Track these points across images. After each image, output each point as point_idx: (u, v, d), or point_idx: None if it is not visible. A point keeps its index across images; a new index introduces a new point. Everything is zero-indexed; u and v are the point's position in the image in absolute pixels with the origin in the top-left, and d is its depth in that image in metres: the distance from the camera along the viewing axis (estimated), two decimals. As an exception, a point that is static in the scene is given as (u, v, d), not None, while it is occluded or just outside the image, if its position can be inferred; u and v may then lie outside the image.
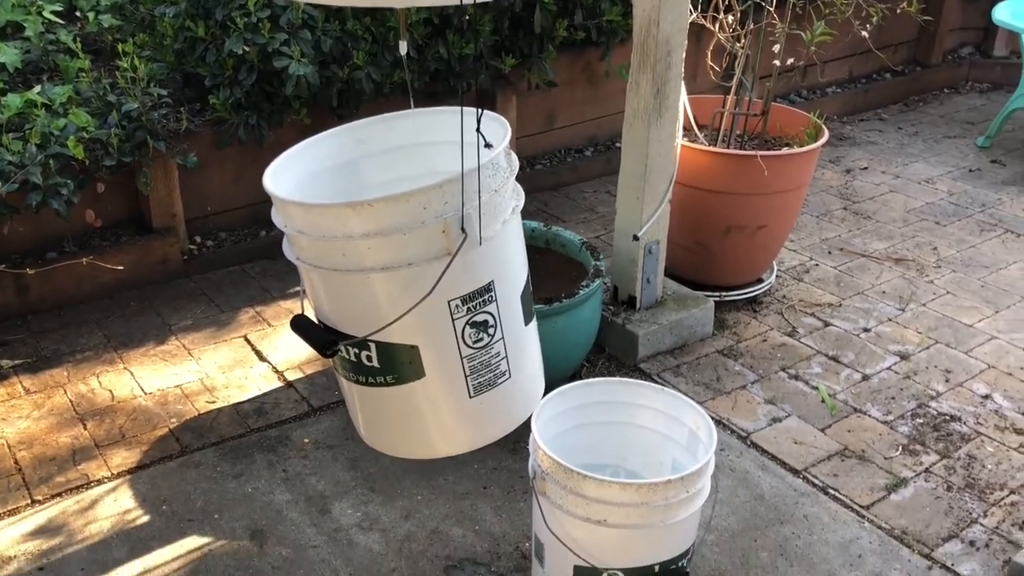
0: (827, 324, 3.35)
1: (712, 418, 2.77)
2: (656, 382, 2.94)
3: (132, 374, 2.93)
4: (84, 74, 3.37)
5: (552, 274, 3.07)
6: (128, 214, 3.45)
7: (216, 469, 2.51)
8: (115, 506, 2.36)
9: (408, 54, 1.83)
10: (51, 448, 2.57)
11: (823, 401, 2.89)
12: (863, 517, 2.40)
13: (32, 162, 2.94)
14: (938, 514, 2.42)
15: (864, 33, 3.65)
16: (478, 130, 1.47)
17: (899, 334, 3.29)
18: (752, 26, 3.22)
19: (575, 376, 2.96)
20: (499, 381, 1.64)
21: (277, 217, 1.56)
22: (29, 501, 2.37)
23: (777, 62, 3.20)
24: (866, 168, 4.75)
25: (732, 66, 3.25)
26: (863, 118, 5.41)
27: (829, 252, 3.92)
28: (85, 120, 3.14)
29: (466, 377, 1.60)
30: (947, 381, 3.01)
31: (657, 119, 2.87)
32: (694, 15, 3.13)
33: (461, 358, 1.57)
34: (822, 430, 2.76)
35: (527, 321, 1.68)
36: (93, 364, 2.97)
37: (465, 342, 1.56)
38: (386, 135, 1.78)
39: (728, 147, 3.28)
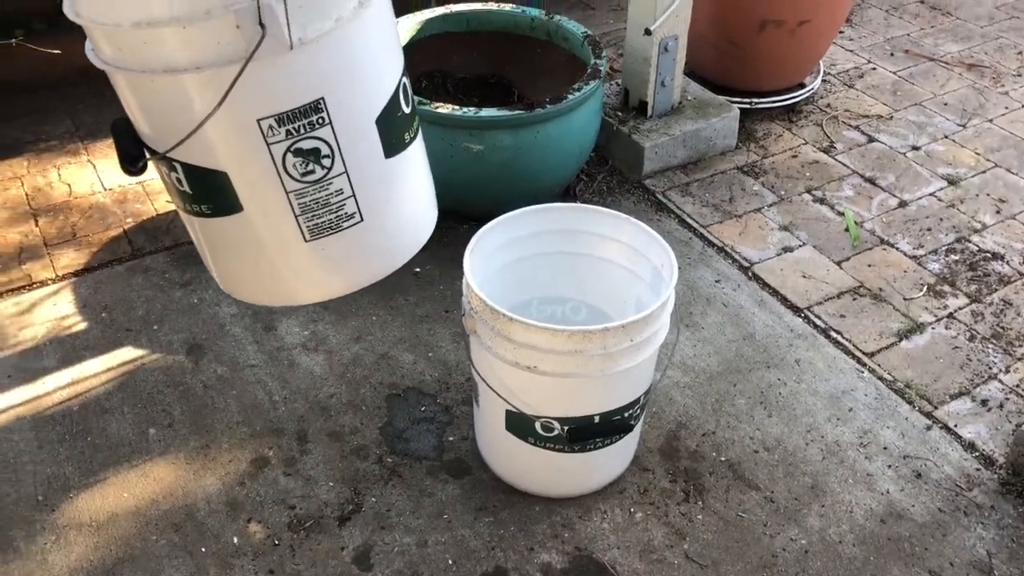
0: (872, 139, 2.94)
1: (714, 244, 2.49)
2: (659, 202, 2.64)
3: (95, 167, 2.75)
4: None
5: (554, 73, 2.70)
6: (98, -11, 3.14)
7: (164, 276, 2.35)
8: (54, 311, 2.23)
9: None
10: (-1, 245, 2.44)
11: (847, 229, 2.56)
12: (864, 366, 2.13)
13: (-27, -74, 2.63)
14: (952, 367, 2.13)
15: None
16: None
17: (953, 154, 2.87)
18: None
19: (568, 192, 2.66)
20: (344, 224, 1.32)
21: (67, 5, 1.25)
22: (-31, 301, 2.27)
23: None
24: (956, -46, 4.10)
25: None
26: None
27: (892, 54, 3.42)
28: None
29: (296, 217, 1.29)
30: (998, 212, 2.63)
31: None
32: None
33: (286, 193, 1.27)
34: (838, 263, 2.44)
35: (392, 152, 1.33)
36: (56, 155, 2.79)
37: (289, 174, 1.25)
38: None
39: (773, -77, 2.76)
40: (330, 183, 1.28)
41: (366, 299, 2.28)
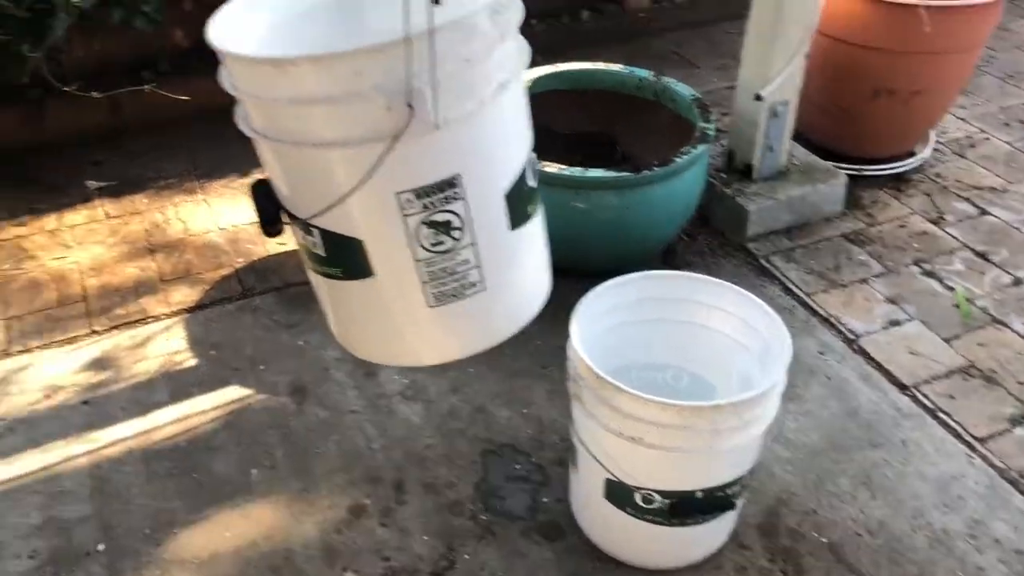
0: (984, 212, 2.86)
1: (818, 314, 2.44)
2: (762, 266, 2.61)
3: (209, 206, 2.85)
4: None
5: (660, 133, 2.71)
6: (222, 35, 3.29)
7: (272, 317, 2.42)
8: (166, 346, 2.32)
9: None
10: (118, 278, 2.55)
11: (957, 306, 2.48)
12: (974, 451, 2.06)
13: (115, -25, 2.79)
14: (1070, 459, 2.04)
15: None
16: None
17: (1072, 232, 2.77)
18: None
19: (668, 252, 2.66)
20: (468, 292, 1.36)
21: (222, 69, 1.32)
22: (88, 331, 2.36)
23: None
24: (1077, 22, 3.99)
25: None
26: (1087, -42, 4.51)
27: (1007, 124, 3.33)
28: (174, -71, 2.94)
29: (423, 284, 1.33)
30: (1120, 296, 2.52)
31: (797, -46, 2.38)
32: None
33: (415, 261, 1.31)
34: (947, 341, 2.37)
35: (517, 224, 1.37)
36: (174, 192, 2.91)
37: (420, 244, 1.29)
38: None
39: (890, -8, 2.72)
40: (458, 253, 1.31)
41: (418, 366, 2.30)
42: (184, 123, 3.19)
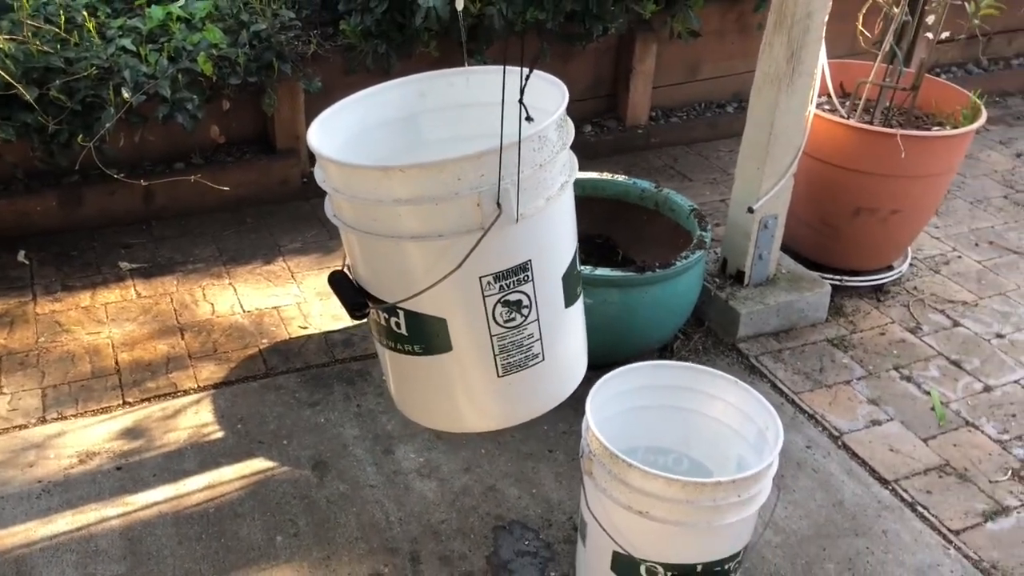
0: (956, 324, 3.08)
1: (805, 412, 2.63)
2: (752, 365, 2.80)
3: (235, 290, 3.03)
4: (225, -10, 3.42)
5: (658, 239, 2.94)
6: (253, 133, 3.54)
7: (295, 395, 2.57)
8: (195, 419, 2.46)
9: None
10: (149, 353, 2.70)
11: (933, 409, 2.67)
12: (950, 543, 2.21)
13: (163, 75, 3.04)
14: (1038, 553, 2.20)
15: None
16: (520, 101, 1.39)
17: (1038, 345, 2.99)
18: (915, -11, 2.91)
19: (666, 349, 2.85)
20: (530, 363, 1.59)
21: (318, 172, 1.54)
22: (121, 402, 2.50)
23: (930, 34, 2.90)
24: (1040, 154, 4.31)
25: (887, 31, 2.96)
26: (1048, 96, 4.89)
27: (976, 244, 3.59)
28: (218, 37, 3.20)
29: (495, 356, 1.56)
30: (1083, 405, 2.72)
31: (788, 86, 2.65)
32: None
33: (491, 336, 1.53)
34: (924, 440, 2.55)
35: (569, 303, 1.61)
36: (202, 276, 3.09)
37: (496, 320, 1.52)
38: (447, 91, 1.72)
39: (870, 122, 3.01)
40: (525, 328, 1.53)
41: (475, 433, 2.46)
42: (211, 212, 3.40)
